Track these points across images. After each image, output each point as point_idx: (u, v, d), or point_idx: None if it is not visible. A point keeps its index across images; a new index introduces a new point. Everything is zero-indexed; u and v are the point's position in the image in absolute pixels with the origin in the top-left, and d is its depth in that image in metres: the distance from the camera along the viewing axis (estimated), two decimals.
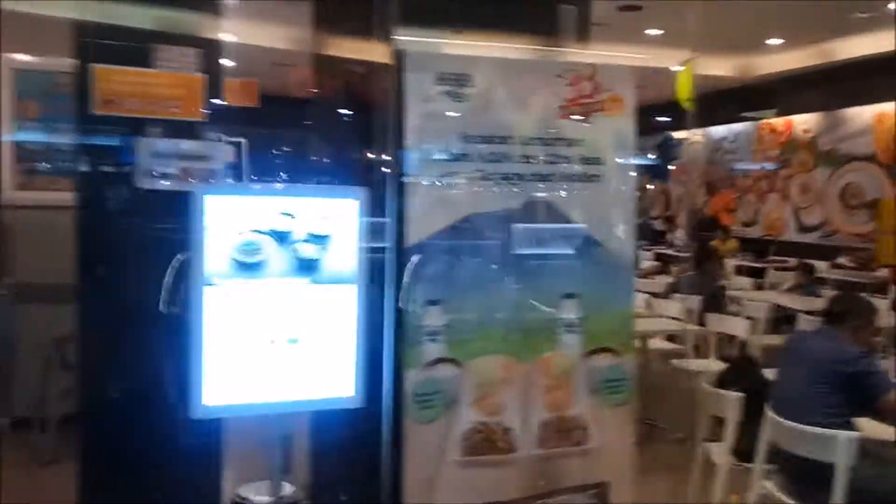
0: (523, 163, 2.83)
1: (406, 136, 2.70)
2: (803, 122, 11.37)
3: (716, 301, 6.52)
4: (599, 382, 2.88)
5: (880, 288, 8.34)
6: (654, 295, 6.92)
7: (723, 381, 3.72)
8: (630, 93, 2.96)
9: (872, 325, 3.27)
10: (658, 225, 14.41)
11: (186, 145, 2.63)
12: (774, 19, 9.03)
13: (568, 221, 2.87)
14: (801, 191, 11.44)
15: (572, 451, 2.84)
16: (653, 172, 14.75)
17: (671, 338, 6.39)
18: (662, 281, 8.05)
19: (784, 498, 3.18)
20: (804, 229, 11.42)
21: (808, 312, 6.39)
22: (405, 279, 2.70)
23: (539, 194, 2.86)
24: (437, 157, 2.74)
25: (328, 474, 2.81)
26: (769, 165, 12.02)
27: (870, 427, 3.32)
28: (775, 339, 6.32)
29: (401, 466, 2.64)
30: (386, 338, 2.61)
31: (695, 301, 6.35)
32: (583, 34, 3.16)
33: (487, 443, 2.72)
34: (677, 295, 6.62)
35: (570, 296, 2.87)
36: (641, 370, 5.63)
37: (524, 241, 2.83)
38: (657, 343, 6.17)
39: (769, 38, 10.01)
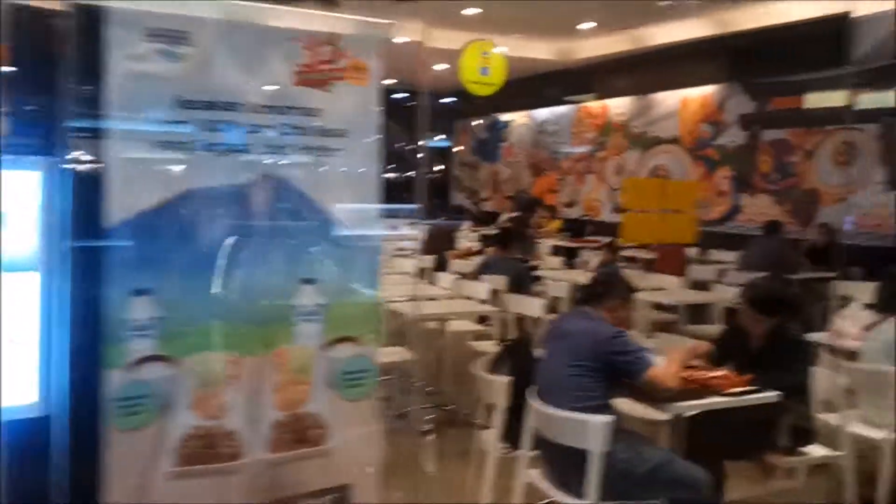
0: (252, 133, 2.52)
1: (108, 98, 2.32)
2: (617, 106, 11.79)
3: (521, 281, 6.52)
4: (340, 375, 2.64)
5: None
6: (464, 276, 6.86)
7: (495, 365, 3.61)
8: (376, 62, 2.71)
9: (629, 303, 3.24)
10: (488, 206, 14.56)
11: None
12: (587, 4, 9.21)
13: (303, 199, 2.59)
14: (616, 172, 11.88)
15: (310, 453, 2.58)
16: (482, 153, 14.89)
17: (483, 319, 6.33)
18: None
19: (547, 486, 3.10)
20: (619, 210, 11.86)
21: None
22: (219, 261, 2.38)
23: (271, 169, 2.56)
24: (146, 123, 2.37)
25: (21, 492, 2.40)
26: (587, 148, 12.40)
27: (628, 407, 3.32)
28: None
29: (101, 480, 2.28)
30: (74, 334, 2.24)
31: (501, 282, 6.31)
32: None
33: (208, 449, 2.41)
34: (485, 276, 6.55)
35: (307, 281, 2.60)
36: (440, 353, 5.56)
37: (255, 221, 2.54)
38: (464, 325, 6.08)
39: (583, 24, 10.23)
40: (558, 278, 7.03)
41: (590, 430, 2.81)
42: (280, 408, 2.54)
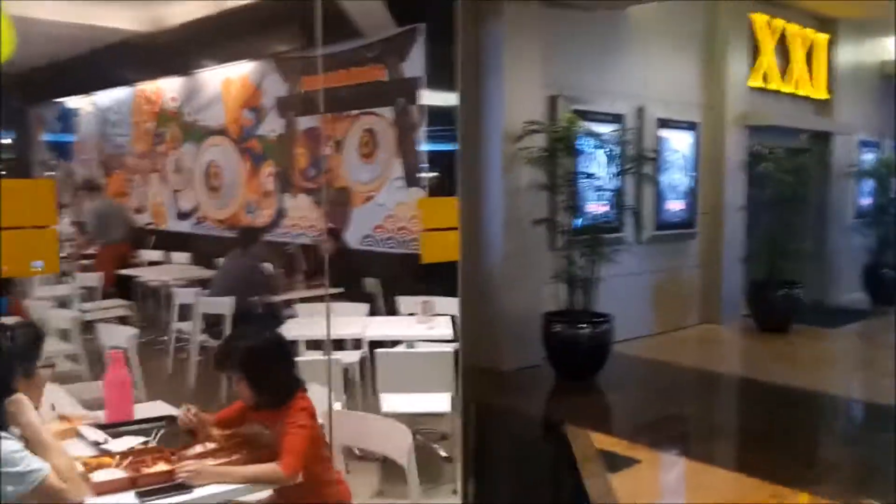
0: None
1: None
2: (171, 90, 9.67)
3: None
4: None
5: None
6: None
7: None
8: None
9: None
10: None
11: None
12: None
13: None
14: (176, 170, 9.78)
15: None
16: (58, 150, 12.15)
17: None
18: None
19: None
20: (182, 215, 9.79)
21: None
22: None
23: None
24: None
25: None
26: (148, 142, 10.17)
27: None
28: None
29: None
30: None
31: None
32: None
33: None
34: None
35: None
36: None
37: None
38: None
39: None
40: None
41: None
42: None
